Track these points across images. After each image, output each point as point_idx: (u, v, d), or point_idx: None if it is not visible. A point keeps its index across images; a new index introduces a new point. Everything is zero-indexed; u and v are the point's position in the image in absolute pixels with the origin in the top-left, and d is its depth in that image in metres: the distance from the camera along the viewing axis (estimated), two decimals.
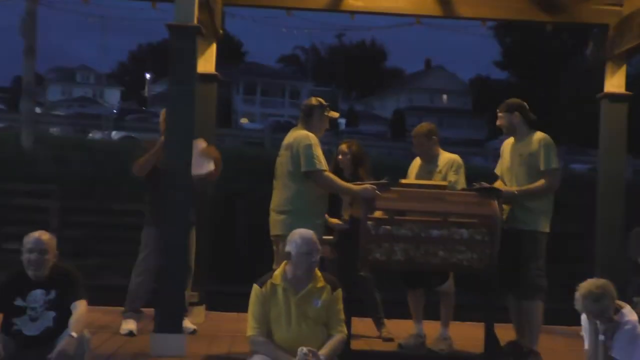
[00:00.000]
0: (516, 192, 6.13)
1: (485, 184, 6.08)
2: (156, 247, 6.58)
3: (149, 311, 6.79)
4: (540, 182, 6.14)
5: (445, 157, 6.62)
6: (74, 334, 4.57)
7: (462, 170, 6.56)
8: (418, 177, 6.57)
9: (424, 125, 6.78)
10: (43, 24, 21.63)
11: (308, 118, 6.14)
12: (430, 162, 6.61)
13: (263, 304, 4.75)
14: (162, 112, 6.80)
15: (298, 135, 6.05)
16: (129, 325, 6.65)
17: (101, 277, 15.68)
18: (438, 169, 6.55)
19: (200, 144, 6.71)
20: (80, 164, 19.43)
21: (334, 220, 6.56)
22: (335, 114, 6.34)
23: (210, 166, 6.75)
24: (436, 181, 6.39)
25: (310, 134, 6.02)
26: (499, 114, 6.40)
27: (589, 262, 8.67)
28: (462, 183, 6.45)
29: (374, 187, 5.88)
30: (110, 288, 13.78)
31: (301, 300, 4.75)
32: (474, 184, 6.11)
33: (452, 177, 6.45)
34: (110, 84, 73.97)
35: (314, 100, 6.21)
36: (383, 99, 75.92)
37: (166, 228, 6.21)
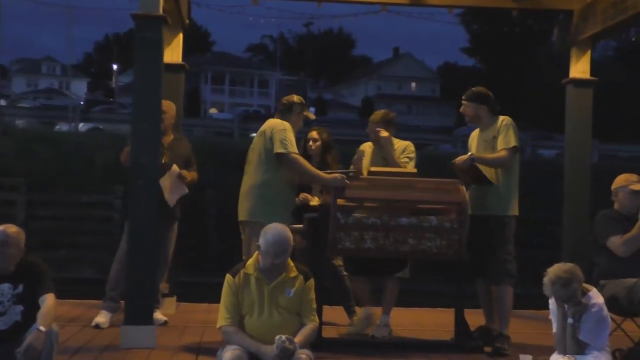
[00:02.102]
0: (471, 155, 6.17)
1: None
2: None
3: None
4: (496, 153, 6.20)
5: (400, 143, 6.71)
6: (42, 328, 4.53)
7: (414, 156, 6.65)
8: (373, 163, 6.60)
9: (386, 113, 6.83)
10: (6, 15, 21.35)
11: (287, 112, 6.24)
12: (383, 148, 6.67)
13: (235, 294, 4.75)
14: None
15: (274, 122, 6.16)
16: (100, 317, 6.62)
17: (70, 269, 15.61)
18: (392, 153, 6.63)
19: (175, 170, 6.79)
20: (47, 156, 19.24)
21: (303, 195, 6.55)
22: (312, 116, 6.46)
23: (184, 190, 6.89)
24: (406, 169, 6.43)
25: (286, 123, 6.12)
26: (465, 102, 6.41)
27: (556, 247, 8.78)
28: (411, 166, 6.55)
29: (344, 176, 5.92)
30: (79, 280, 13.76)
31: (274, 289, 4.75)
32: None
33: (402, 159, 6.56)
34: (77, 75, 73.15)
35: (295, 98, 6.33)
36: (352, 87, 75.96)
37: (133, 219, 6.16)
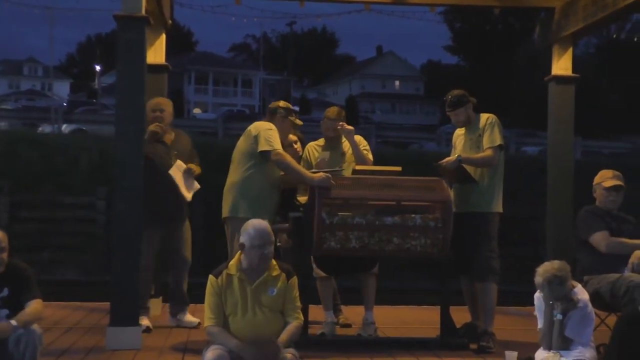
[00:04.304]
0: (460, 157, 6.19)
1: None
2: (148, 241, 6.57)
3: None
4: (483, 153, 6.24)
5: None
6: (12, 322, 4.53)
7: (369, 148, 6.79)
8: (333, 159, 6.66)
9: (340, 110, 6.89)
10: None
11: (271, 117, 6.36)
12: (337, 145, 6.75)
13: (219, 295, 4.76)
14: (149, 102, 6.83)
15: (260, 123, 6.30)
16: (144, 321, 6.48)
17: (54, 271, 15.53)
18: (346, 149, 6.72)
19: (181, 164, 6.73)
20: (31, 158, 19.14)
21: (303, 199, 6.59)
22: (299, 122, 6.57)
23: (195, 184, 6.84)
24: (390, 167, 6.45)
25: (272, 124, 6.22)
26: (455, 111, 6.37)
27: (539, 244, 8.82)
28: (370, 157, 6.69)
29: (329, 175, 5.95)
30: (64, 282, 13.70)
31: (257, 289, 4.76)
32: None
33: (363, 151, 6.65)
34: (59, 77, 72.83)
35: (281, 103, 6.50)
36: (335, 86, 76.03)
37: (117, 221, 6.13)
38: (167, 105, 6.93)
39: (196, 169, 6.87)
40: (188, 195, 6.77)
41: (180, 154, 6.83)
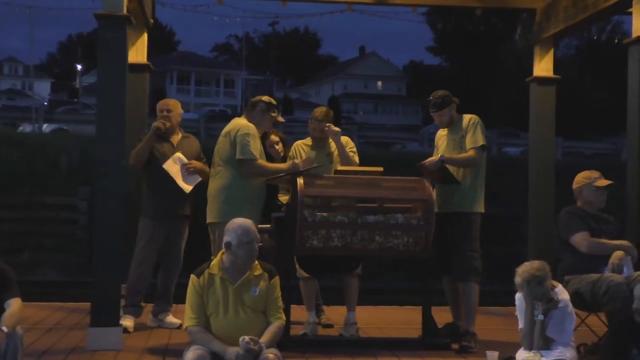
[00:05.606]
0: (443, 157, 6.20)
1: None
2: (151, 238, 6.63)
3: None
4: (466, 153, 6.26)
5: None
6: (4, 329, 4.50)
7: (355, 150, 6.79)
8: (318, 159, 6.60)
9: (328, 111, 6.85)
10: None
11: (251, 110, 6.31)
12: (324, 145, 6.74)
13: (200, 295, 4.75)
14: (158, 103, 6.88)
15: (238, 123, 6.20)
16: (125, 322, 6.44)
17: (35, 272, 15.42)
18: (332, 149, 6.71)
19: (181, 159, 6.66)
20: (11, 158, 18.99)
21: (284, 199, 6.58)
22: (281, 119, 6.51)
23: (196, 178, 6.72)
24: (372, 167, 6.46)
25: (251, 125, 6.16)
26: (440, 112, 6.38)
27: (521, 244, 8.86)
28: (357, 159, 6.68)
29: (299, 162, 6.04)
30: (44, 283, 13.60)
31: (239, 288, 4.75)
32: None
33: (349, 153, 6.66)
34: (40, 76, 72.38)
35: (264, 98, 6.40)
36: (318, 86, 76.02)
37: (98, 220, 6.10)
38: (175, 106, 6.91)
39: (194, 163, 6.70)
40: (186, 187, 6.66)
41: (184, 154, 6.76)
